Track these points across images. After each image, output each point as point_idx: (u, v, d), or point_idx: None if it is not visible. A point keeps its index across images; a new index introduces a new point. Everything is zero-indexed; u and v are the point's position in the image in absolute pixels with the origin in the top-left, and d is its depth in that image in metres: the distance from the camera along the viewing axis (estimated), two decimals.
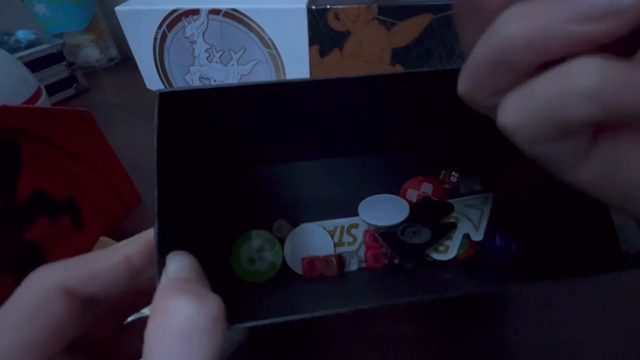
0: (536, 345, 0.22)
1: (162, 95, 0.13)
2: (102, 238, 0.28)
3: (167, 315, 0.11)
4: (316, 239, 0.23)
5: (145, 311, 0.18)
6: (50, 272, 0.13)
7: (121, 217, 0.33)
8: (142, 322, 0.16)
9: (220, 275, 0.22)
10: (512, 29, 0.09)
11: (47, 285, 0.12)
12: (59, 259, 0.27)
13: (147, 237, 0.14)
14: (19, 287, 0.12)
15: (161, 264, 0.13)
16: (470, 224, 0.22)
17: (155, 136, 0.13)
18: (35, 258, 0.26)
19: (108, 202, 0.31)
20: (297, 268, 0.23)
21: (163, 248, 0.13)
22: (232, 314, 0.12)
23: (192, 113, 0.16)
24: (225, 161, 0.23)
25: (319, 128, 0.21)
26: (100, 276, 0.13)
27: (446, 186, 0.25)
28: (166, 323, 0.11)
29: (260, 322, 0.12)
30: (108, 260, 0.13)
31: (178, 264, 0.13)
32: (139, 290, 0.16)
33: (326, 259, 0.22)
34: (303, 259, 0.22)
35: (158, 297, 0.12)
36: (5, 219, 0.23)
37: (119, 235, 0.31)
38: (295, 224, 0.24)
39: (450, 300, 0.14)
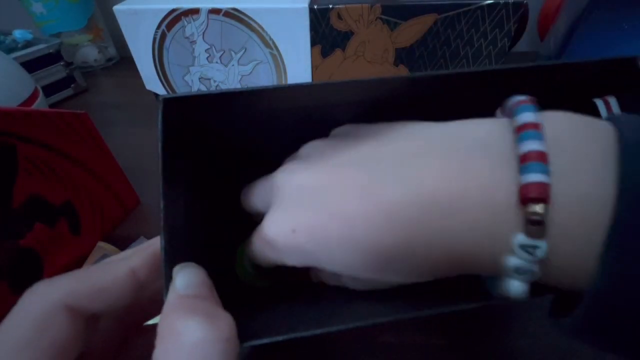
0: (547, 353, 0.22)
1: (167, 101, 0.12)
2: (100, 243, 0.28)
3: (176, 339, 0.10)
4: None
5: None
6: (50, 288, 0.12)
7: (120, 219, 0.33)
8: (150, 330, 0.15)
9: (225, 280, 0.22)
10: None
11: (47, 304, 0.12)
12: (56, 265, 0.27)
13: (153, 248, 0.13)
14: (15, 306, 0.11)
15: (168, 278, 0.12)
16: None
17: (160, 144, 0.12)
18: (31, 264, 0.25)
19: (106, 205, 0.31)
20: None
21: (170, 261, 0.12)
22: (240, 325, 0.12)
23: (196, 118, 0.16)
24: (231, 164, 0.22)
25: (324, 129, 0.20)
26: (104, 291, 0.12)
27: None
28: (175, 347, 0.10)
29: (272, 339, 0.12)
30: (112, 274, 0.13)
31: (186, 279, 0.12)
32: (145, 303, 0.15)
33: None
34: None
35: (165, 317, 0.11)
36: (0, 225, 0.23)
37: (118, 238, 0.31)
38: None
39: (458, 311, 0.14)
